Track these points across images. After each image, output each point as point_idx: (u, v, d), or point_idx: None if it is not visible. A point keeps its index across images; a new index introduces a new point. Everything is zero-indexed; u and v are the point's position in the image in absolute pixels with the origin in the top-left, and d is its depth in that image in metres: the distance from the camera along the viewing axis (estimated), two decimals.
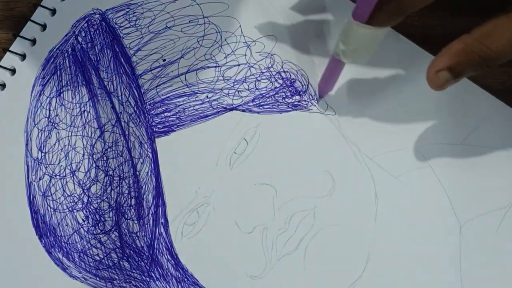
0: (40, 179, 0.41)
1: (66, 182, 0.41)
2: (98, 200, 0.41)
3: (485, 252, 0.38)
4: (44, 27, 0.43)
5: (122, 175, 0.40)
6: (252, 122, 0.41)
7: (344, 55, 0.34)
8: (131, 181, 0.40)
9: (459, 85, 0.39)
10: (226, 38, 0.42)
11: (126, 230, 0.40)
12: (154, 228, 0.40)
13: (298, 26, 0.41)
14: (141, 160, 0.41)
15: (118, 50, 0.42)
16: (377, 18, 0.31)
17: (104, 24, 0.42)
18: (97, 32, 0.42)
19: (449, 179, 0.39)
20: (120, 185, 0.40)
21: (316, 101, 0.40)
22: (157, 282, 0.40)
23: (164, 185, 0.40)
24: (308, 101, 0.41)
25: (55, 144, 0.41)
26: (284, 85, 0.41)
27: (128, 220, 0.40)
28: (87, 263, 0.40)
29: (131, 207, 0.40)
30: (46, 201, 0.41)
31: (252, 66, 0.41)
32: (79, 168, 0.41)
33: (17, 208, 0.41)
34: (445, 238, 0.38)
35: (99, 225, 0.40)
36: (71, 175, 0.41)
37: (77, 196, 0.41)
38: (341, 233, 0.39)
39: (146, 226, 0.40)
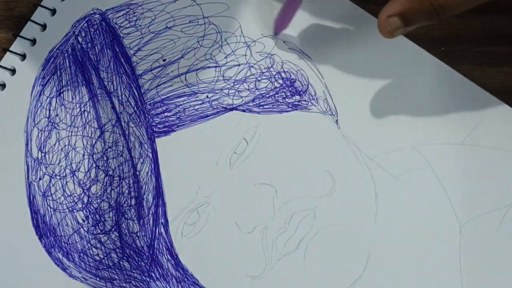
0: (40, 179, 0.41)
1: (66, 182, 0.41)
2: (98, 200, 0.41)
3: (485, 251, 0.38)
4: (44, 27, 0.43)
5: (122, 175, 0.40)
6: (252, 122, 0.41)
7: None
8: (131, 181, 0.40)
9: (459, 85, 0.40)
10: (226, 38, 0.42)
11: (126, 230, 0.40)
12: (154, 228, 0.40)
13: (298, 26, 0.41)
14: (141, 160, 0.41)
15: (118, 50, 0.42)
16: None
17: (104, 24, 0.42)
18: (97, 32, 0.42)
19: (449, 179, 0.39)
20: (120, 185, 0.40)
21: (317, 102, 0.40)
22: (157, 282, 0.40)
23: (164, 185, 0.40)
24: (308, 101, 0.41)
25: (55, 144, 0.41)
26: (284, 85, 0.41)
27: (128, 220, 0.40)
28: (87, 263, 0.40)
29: (131, 207, 0.40)
30: (46, 201, 0.41)
31: (252, 66, 0.41)
32: (79, 168, 0.41)
33: (17, 208, 0.41)
34: (445, 238, 0.38)
35: (99, 225, 0.40)
36: (71, 175, 0.41)
37: (77, 196, 0.41)
38: (341, 233, 0.39)
39: (146, 226, 0.40)
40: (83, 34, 0.42)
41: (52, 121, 0.42)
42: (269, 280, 0.39)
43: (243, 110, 0.41)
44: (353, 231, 0.39)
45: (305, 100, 0.41)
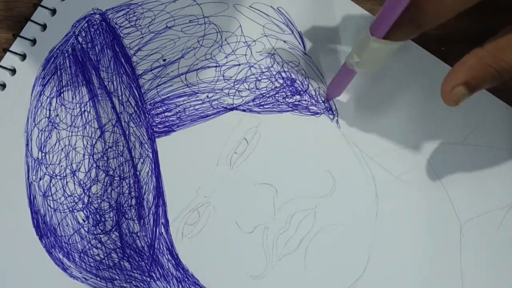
0: (40, 179, 0.41)
1: (67, 182, 0.41)
2: (99, 200, 0.41)
3: (486, 251, 0.38)
4: (44, 27, 0.43)
5: (122, 175, 0.40)
6: (253, 122, 0.41)
7: (357, 66, 0.34)
8: (131, 181, 0.40)
9: None
10: (227, 38, 0.42)
11: (126, 230, 0.40)
12: (154, 228, 0.40)
13: (298, 26, 0.41)
14: (141, 160, 0.41)
15: (118, 50, 0.42)
16: (395, 34, 0.31)
17: (104, 24, 0.42)
18: (97, 32, 0.42)
19: (449, 178, 0.39)
20: (121, 185, 0.40)
21: (317, 102, 0.40)
22: (157, 282, 0.40)
23: (164, 185, 0.40)
24: (308, 101, 0.41)
25: (55, 144, 0.41)
26: (285, 84, 0.41)
27: (129, 220, 0.40)
28: (88, 263, 0.40)
29: (132, 207, 0.40)
30: (47, 201, 0.41)
31: (252, 66, 0.41)
32: (80, 168, 0.41)
33: (17, 209, 0.41)
34: (446, 237, 0.38)
35: (100, 225, 0.40)
36: (72, 175, 0.41)
37: (78, 196, 0.41)
38: (341, 233, 0.39)
39: (147, 226, 0.40)
40: (83, 34, 0.42)
41: (52, 121, 0.42)
42: (269, 280, 0.39)
43: (244, 110, 0.41)
44: (354, 231, 0.39)
45: (305, 100, 0.41)
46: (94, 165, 0.41)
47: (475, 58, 0.31)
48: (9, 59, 0.43)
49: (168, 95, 0.41)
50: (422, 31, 0.32)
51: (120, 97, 0.41)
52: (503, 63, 0.30)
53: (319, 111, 0.40)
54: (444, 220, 0.38)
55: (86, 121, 0.41)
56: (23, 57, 0.43)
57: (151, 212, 0.40)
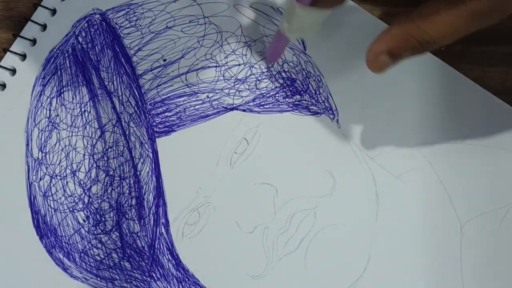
0: (40, 179, 0.41)
1: (67, 182, 0.41)
2: (99, 200, 0.41)
3: (486, 251, 0.38)
4: (44, 27, 0.43)
5: (122, 175, 0.40)
6: (253, 121, 0.41)
7: (288, 31, 0.35)
8: (131, 181, 0.40)
9: (460, 84, 0.40)
10: (227, 38, 0.42)
11: (127, 230, 0.40)
12: (155, 228, 0.40)
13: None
14: (141, 160, 0.41)
15: (118, 50, 0.42)
16: (321, 2, 0.32)
17: (104, 24, 0.42)
18: (98, 32, 0.42)
19: (449, 178, 0.39)
20: (121, 185, 0.40)
21: (317, 102, 0.40)
22: (158, 282, 0.40)
23: (164, 185, 0.40)
24: (308, 101, 0.41)
25: (55, 144, 0.41)
26: (285, 84, 0.41)
27: (129, 220, 0.40)
28: (88, 263, 0.40)
29: (132, 207, 0.40)
30: (47, 202, 0.41)
31: (252, 66, 0.41)
32: (80, 168, 0.41)
33: (17, 209, 0.41)
34: (446, 237, 0.38)
35: (100, 225, 0.40)
36: (72, 175, 0.41)
37: (78, 196, 0.41)
38: (342, 232, 0.39)
39: (147, 226, 0.40)
40: (84, 34, 0.42)
41: (52, 121, 0.42)
42: (270, 280, 0.39)
43: (244, 110, 0.41)
44: (354, 230, 0.39)
45: (305, 100, 0.41)
46: (95, 165, 0.41)
47: (399, 28, 0.31)
48: (9, 59, 0.43)
49: (168, 95, 0.41)
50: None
51: (120, 97, 0.41)
52: (426, 35, 0.30)
53: (319, 111, 0.41)
54: (444, 220, 0.38)
55: (86, 121, 0.41)
56: (23, 57, 0.43)
57: (152, 212, 0.40)
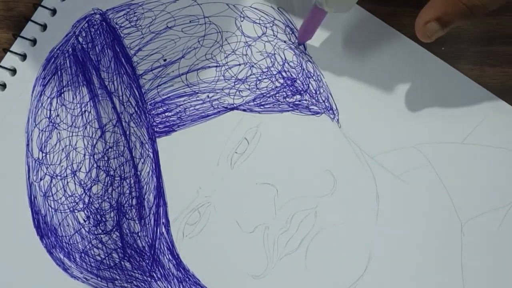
0: (41, 179, 0.41)
1: (67, 183, 0.41)
2: (99, 200, 0.40)
3: (486, 250, 0.38)
4: (44, 27, 0.43)
5: (123, 175, 0.40)
6: (253, 121, 0.41)
7: (326, 4, 0.34)
8: (132, 181, 0.40)
9: (460, 84, 0.40)
10: (227, 38, 0.42)
11: (127, 230, 0.40)
12: (155, 228, 0.40)
13: (298, 25, 0.41)
14: (142, 160, 0.41)
15: (118, 50, 0.42)
16: None
17: (104, 24, 0.42)
18: (98, 32, 0.42)
19: (450, 178, 0.39)
20: (121, 185, 0.40)
21: (318, 101, 0.40)
22: (158, 282, 0.40)
23: (165, 185, 0.40)
24: (309, 101, 0.41)
25: (56, 145, 0.41)
26: (285, 84, 0.41)
27: (129, 220, 0.40)
28: (89, 263, 0.40)
29: (132, 207, 0.40)
30: (47, 202, 0.41)
31: (253, 66, 0.41)
32: (80, 168, 0.41)
33: (18, 209, 0.41)
34: (447, 237, 0.38)
35: (100, 225, 0.40)
36: (72, 175, 0.41)
37: (78, 197, 0.41)
38: (342, 232, 0.39)
39: (148, 226, 0.40)
40: (84, 34, 0.42)
41: (53, 121, 0.42)
42: (270, 280, 0.39)
43: (244, 110, 0.41)
44: (355, 230, 0.39)
45: (306, 100, 0.41)
46: (95, 165, 0.41)
47: None
48: (10, 59, 0.43)
49: (168, 95, 0.41)
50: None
51: (121, 97, 0.41)
52: (479, 2, 0.30)
53: (319, 110, 0.41)
54: (445, 219, 0.38)
55: (86, 121, 0.41)
56: (24, 57, 0.43)
57: (152, 212, 0.40)
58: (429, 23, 0.32)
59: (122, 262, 0.40)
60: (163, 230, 0.40)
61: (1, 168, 0.42)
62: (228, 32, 0.42)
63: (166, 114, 0.41)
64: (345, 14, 0.41)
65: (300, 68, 0.41)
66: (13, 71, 0.43)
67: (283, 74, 0.41)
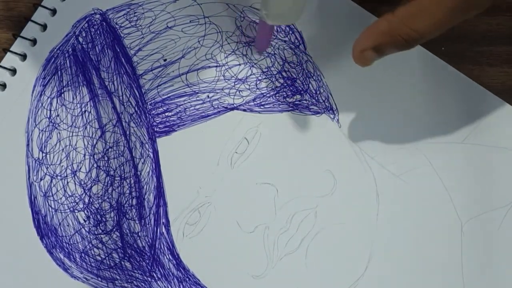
0: (41, 179, 0.41)
1: (67, 183, 0.41)
2: (99, 200, 0.40)
3: (487, 250, 0.38)
4: (44, 27, 0.43)
5: (123, 175, 0.40)
6: (253, 121, 0.41)
7: (268, 18, 0.34)
8: (132, 181, 0.40)
9: (460, 84, 0.40)
10: (227, 38, 0.42)
11: (127, 230, 0.40)
12: (155, 228, 0.40)
13: (298, 25, 0.41)
14: (142, 160, 0.41)
15: (118, 50, 0.42)
16: None
17: (104, 24, 0.42)
18: (98, 32, 0.42)
19: (450, 177, 0.39)
20: (121, 185, 0.40)
21: (318, 102, 0.41)
22: (158, 282, 0.40)
23: (165, 185, 0.40)
24: (309, 100, 0.41)
25: (56, 145, 0.41)
26: (285, 84, 0.41)
27: (130, 220, 0.40)
28: (89, 263, 0.40)
29: (133, 207, 0.40)
30: (47, 202, 0.41)
31: (253, 66, 0.41)
32: (80, 168, 0.41)
33: (18, 209, 0.41)
34: (447, 236, 0.38)
35: (101, 225, 0.40)
36: (72, 175, 0.41)
37: (78, 197, 0.41)
38: (342, 232, 0.39)
39: (148, 226, 0.40)
40: (84, 34, 0.42)
41: (53, 121, 0.42)
42: (270, 280, 0.39)
43: (244, 110, 0.41)
44: (355, 230, 0.39)
45: (306, 100, 0.41)
46: (95, 165, 0.41)
47: (385, 24, 0.31)
48: (10, 59, 0.43)
49: (168, 95, 0.41)
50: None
51: (121, 97, 0.41)
52: (413, 32, 0.30)
53: (319, 110, 0.41)
54: (445, 219, 0.38)
55: (86, 121, 0.41)
56: (24, 57, 0.43)
57: (152, 212, 0.40)
58: (366, 52, 0.32)
59: (122, 262, 0.40)
60: (163, 230, 0.40)
61: (1, 168, 0.42)
62: (228, 32, 0.42)
63: (166, 114, 0.41)
64: (345, 14, 0.41)
65: (300, 68, 0.41)
66: (13, 71, 0.43)
67: (283, 74, 0.41)
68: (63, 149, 0.41)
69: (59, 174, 0.41)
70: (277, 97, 0.41)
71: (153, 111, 0.41)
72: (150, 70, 0.42)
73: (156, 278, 0.40)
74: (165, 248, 0.40)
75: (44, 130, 0.42)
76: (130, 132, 0.41)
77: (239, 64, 0.41)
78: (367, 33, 0.32)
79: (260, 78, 0.41)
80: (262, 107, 0.41)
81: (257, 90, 0.41)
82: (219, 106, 0.41)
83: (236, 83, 0.41)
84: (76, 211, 0.41)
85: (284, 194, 0.39)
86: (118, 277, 0.40)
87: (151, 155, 0.41)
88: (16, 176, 0.42)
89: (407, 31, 0.30)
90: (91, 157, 0.41)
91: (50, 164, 0.41)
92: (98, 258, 0.40)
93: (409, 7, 0.30)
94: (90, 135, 0.41)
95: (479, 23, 0.41)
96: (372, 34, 0.32)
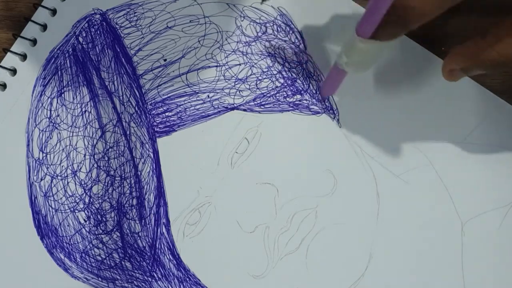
0: (41, 179, 0.41)
1: (68, 183, 0.41)
2: (100, 200, 0.41)
3: (487, 250, 0.38)
4: (44, 27, 0.43)
5: (123, 175, 0.40)
6: (254, 121, 0.41)
7: (347, 66, 0.34)
8: (132, 181, 0.40)
9: (461, 84, 0.40)
10: (227, 37, 0.42)
11: (128, 230, 0.40)
12: (156, 228, 0.40)
13: (299, 25, 0.41)
14: (142, 160, 0.41)
15: (119, 50, 0.42)
16: (381, 34, 0.31)
17: (104, 24, 0.42)
18: (98, 32, 0.42)
19: (450, 177, 0.39)
20: (122, 185, 0.40)
21: (318, 101, 0.40)
22: (159, 282, 0.40)
23: (165, 185, 0.40)
24: (309, 100, 0.41)
25: (56, 145, 0.41)
26: (285, 84, 0.41)
27: (130, 220, 0.40)
28: (89, 263, 0.40)
29: (133, 207, 0.40)
30: (48, 202, 0.41)
31: (253, 66, 0.41)
32: (81, 168, 0.41)
33: (18, 209, 0.41)
34: (447, 236, 0.38)
35: (101, 225, 0.40)
36: (73, 175, 0.41)
37: (79, 197, 0.41)
38: (343, 232, 0.39)
39: (148, 226, 0.40)
40: (84, 34, 0.42)
41: (53, 121, 0.42)
42: (271, 280, 0.39)
43: (244, 110, 0.41)
44: (355, 230, 0.39)
45: (306, 99, 0.41)
46: (95, 165, 0.41)
47: (475, 47, 0.32)
48: (10, 59, 0.43)
49: (169, 95, 0.41)
50: (408, 30, 0.32)
51: (121, 97, 0.41)
52: (502, 57, 0.31)
53: (320, 110, 0.41)
54: (446, 219, 0.38)
55: (87, 121, 0.41)
56: (24, 57, 0.43)
57: (152, 212, 0.40)
58: (454, 71, 0.34)
59: (123, 262, 0.40)
60: (164, 230, 0.40)
61: (2, 168, 0.42)
62: (228, 32, 0.42)
63: (167, 114, 0.41)
64: (345, 13, 0.41)
65: (300, 68, 0.41)
66: (13, 71, 0.43)
67: (284, 73, 0.41)
68: (63, 149, 0.41)
69: (59, 174, 0.41)
70: (277, 97, 0.41)
71: (153, 111, 0.41)
72: (150, 70, 0.42)
73: (157, 278, 0.40)
74: (166, 248, 0.40)
75: (44, 130, 0.42)
76: (131, 132, 0.41)
77: (239, 64, 0.41)
78: (456, 54, 0.34)
79: (260, 78, 0.41)
80: (262, 107, 0.41)
81: (257, 90, 0.41)
82: (219, 106, 0.41)
83: (236, 83, 0.41)
84: (76, 211, 0.41)
85: (285, 194, 0.40)
86: (118, 277, 0.40)
87: (152, 155, 0.41)
88: (16, 176, 0.42)
89: (494, 56, 0.31)
90: (92, 157, 0.41)
91: (50, 164, 0.41)
92: (99, 258, 0.40)
93: (499, 31, 0.31)
94: (91, 135, 0.41)
95: (479, 23, 0.41)
96: (461, 55, 0.33)
